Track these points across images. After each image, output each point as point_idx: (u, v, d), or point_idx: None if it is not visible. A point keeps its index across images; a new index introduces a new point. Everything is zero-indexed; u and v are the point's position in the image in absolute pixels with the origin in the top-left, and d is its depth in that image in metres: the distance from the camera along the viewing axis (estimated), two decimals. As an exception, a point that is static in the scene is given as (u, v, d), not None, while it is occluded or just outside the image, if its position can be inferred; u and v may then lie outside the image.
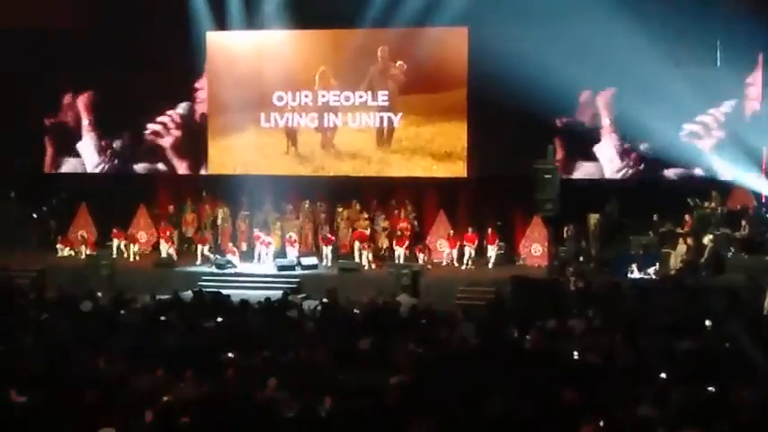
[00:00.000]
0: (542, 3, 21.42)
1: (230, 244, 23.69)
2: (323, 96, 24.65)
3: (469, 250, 22.78)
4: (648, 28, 20.73)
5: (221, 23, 24.54)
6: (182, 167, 25.85)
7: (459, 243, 23.05)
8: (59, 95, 25.91)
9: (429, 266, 22.67)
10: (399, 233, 23.16)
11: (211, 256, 23.34)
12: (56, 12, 24.11)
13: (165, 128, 25.50)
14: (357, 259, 23.02)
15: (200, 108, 25.51)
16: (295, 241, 23.36)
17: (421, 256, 22.90)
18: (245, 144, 25.11)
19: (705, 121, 22.25)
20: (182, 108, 25.54)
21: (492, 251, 22.76)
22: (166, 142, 25.59)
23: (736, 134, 21.84)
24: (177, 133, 25.56)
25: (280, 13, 23.85)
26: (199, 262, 23.50)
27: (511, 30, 22.68)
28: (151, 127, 25.49)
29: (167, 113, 25.47)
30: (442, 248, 23.44)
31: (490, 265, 22.55)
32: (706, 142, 22.31)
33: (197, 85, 25.41)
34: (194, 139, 25.47)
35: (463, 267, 22.68)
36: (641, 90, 21.49)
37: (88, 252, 23.87)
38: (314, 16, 23.71)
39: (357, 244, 23.17)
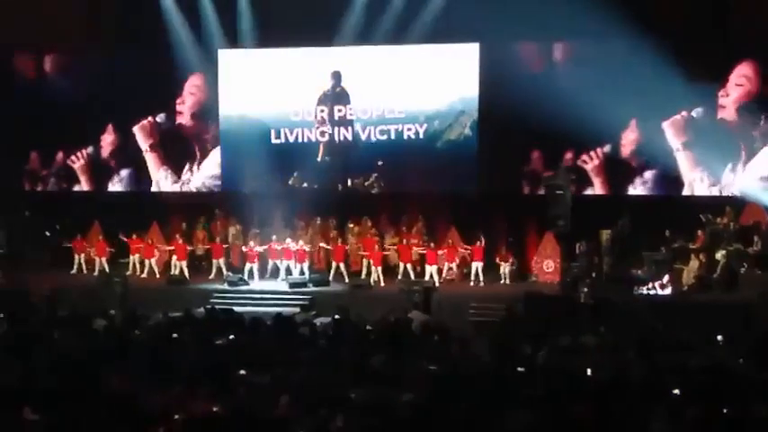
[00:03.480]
0: (551, 21, 21.52)
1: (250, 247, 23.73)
2: (339, 111, 24.81)
3: (476, 265, 22.73)
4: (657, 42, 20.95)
5: (232, 40, 24.81)
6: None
7: (460, 257, 23.07)
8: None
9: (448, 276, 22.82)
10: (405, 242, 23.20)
11: (224, 273, 23.44)
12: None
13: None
14: (367, 276, 23.03)
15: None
16: (305, 256, 23.32)
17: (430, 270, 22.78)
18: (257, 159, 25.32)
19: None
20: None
21: (505, 268, 22.71)
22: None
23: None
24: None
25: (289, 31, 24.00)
26: (212, 276, 23.55)
27: (523, 47, 22.95)
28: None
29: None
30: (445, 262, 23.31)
31: (505, 281, 22.58)
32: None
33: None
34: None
35: (471, 284, 22.62)
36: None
37: (104, 261, 24.19)
38: (326, 33, 24.02)
39: (365, 261, 23.19)
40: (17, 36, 24.40)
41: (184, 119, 25.17)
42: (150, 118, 24.57)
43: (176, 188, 25.25)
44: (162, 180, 25.37)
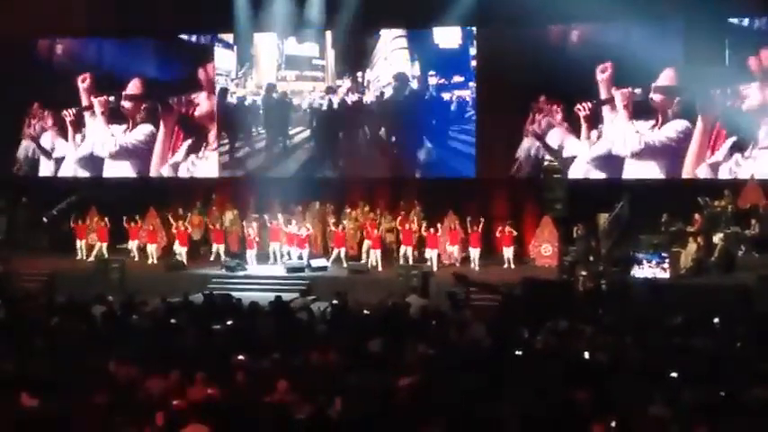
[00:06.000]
0: (553, 4, 21.50)
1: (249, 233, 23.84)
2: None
3: (474, 251, 22.72)
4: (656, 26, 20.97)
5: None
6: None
7: (463, 242, 23.06)
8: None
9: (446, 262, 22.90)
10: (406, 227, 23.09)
11: (222, 258, 23.47)
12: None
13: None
14: (365, 260, 23.01)
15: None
16: (304, 240, 23.27)
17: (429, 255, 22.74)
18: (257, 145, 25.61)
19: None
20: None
21: (508, 252, 22.67)
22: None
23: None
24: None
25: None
26: (213, 258, 23.70)
27: (520, 29, 22.90)
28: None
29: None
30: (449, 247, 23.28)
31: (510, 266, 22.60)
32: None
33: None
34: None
35: (472, 266, 22.60)
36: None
37: (104, 247, 24.21)
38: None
39: (366, 244, 23.16)
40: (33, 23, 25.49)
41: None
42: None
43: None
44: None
